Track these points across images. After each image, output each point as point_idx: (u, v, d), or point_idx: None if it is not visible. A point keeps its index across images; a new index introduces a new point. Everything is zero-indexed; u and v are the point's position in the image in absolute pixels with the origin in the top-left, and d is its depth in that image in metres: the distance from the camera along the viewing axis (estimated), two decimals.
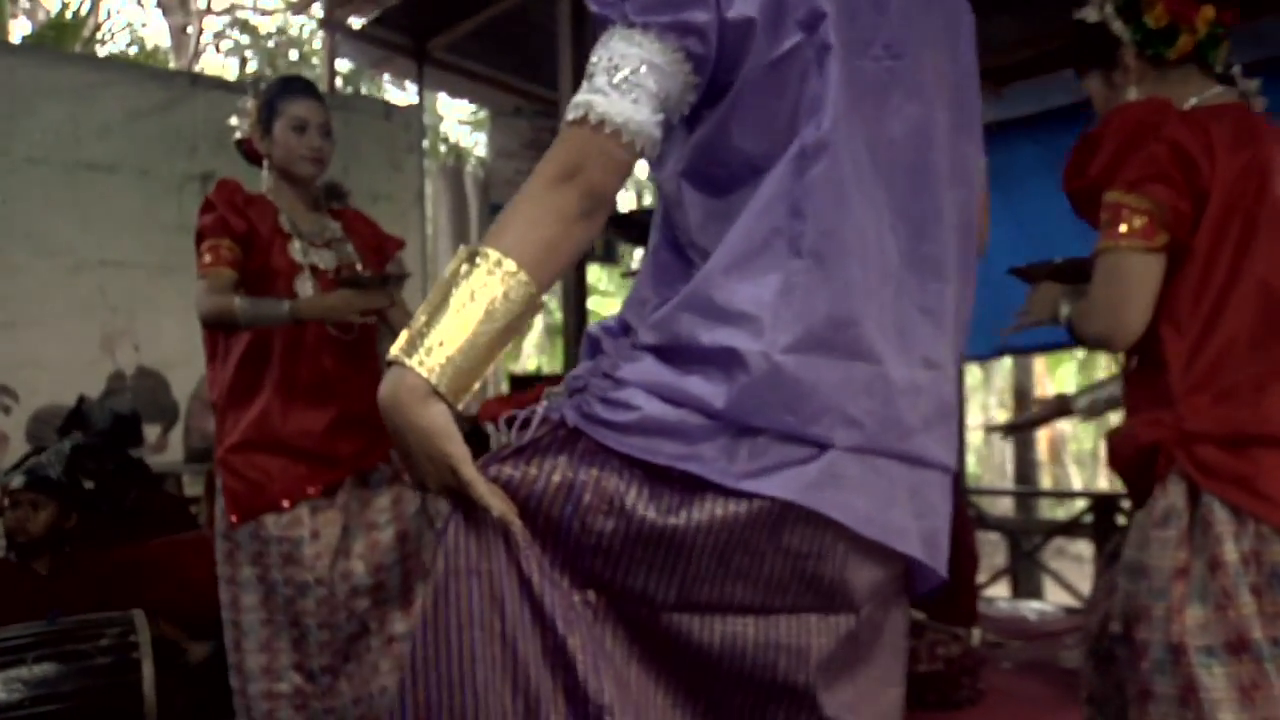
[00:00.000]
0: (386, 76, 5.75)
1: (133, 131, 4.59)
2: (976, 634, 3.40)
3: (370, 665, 2.52)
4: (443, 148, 9.22)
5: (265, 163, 2.56)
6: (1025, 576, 6.32)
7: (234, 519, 2.37)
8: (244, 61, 10.79)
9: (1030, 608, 5.26)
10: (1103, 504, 5.36)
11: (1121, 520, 5.20)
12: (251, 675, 2.41)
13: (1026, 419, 2.23)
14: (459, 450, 1.00)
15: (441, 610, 1.02)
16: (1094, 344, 1.61)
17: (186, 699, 2.96)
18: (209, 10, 10.93)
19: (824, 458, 1.02)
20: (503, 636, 1.03)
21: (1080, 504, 6.18)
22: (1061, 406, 2.18)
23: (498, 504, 1.02)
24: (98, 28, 9.22)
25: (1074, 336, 1.63)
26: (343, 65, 7.01)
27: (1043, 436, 13.18)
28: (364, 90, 8.24)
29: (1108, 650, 1.62)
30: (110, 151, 4.54)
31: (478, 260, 1.00)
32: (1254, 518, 1.46)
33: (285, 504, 2.37)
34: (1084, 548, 11.83)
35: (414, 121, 5.37)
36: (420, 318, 1.01)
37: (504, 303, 1.00)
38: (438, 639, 1.01)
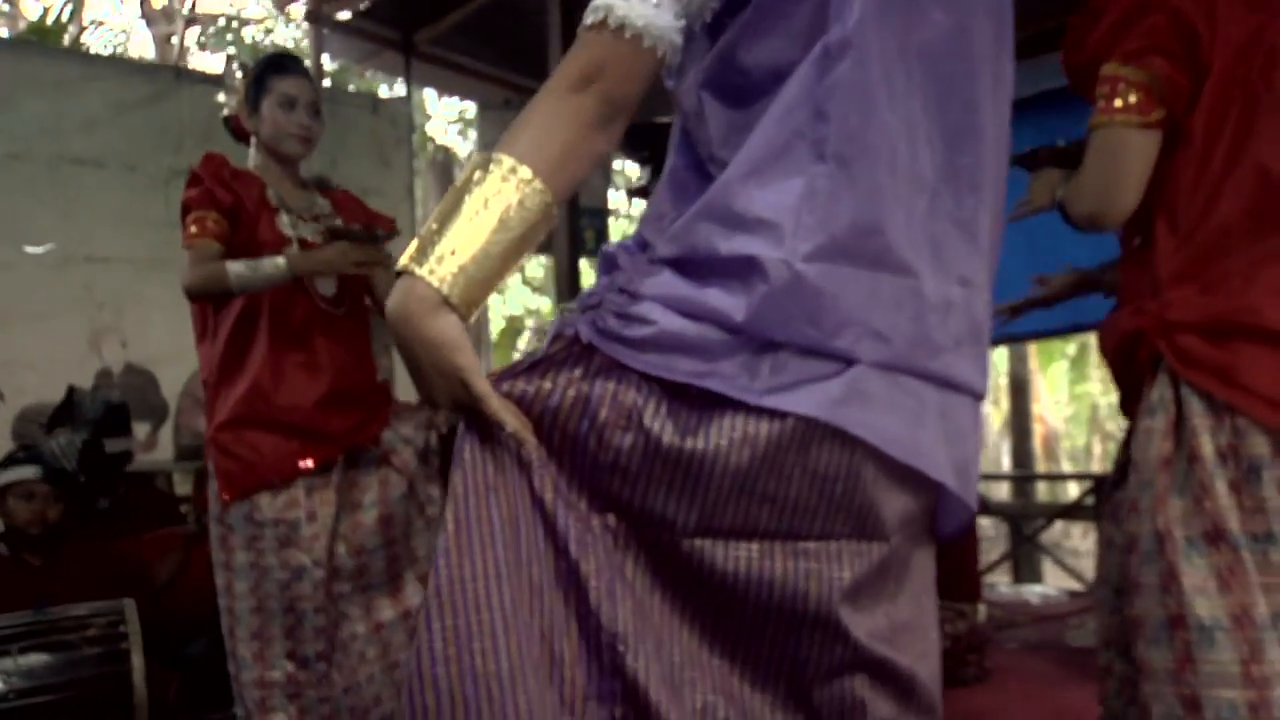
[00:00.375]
0: (373, 75, 5.71)
1: (117, 126, 4.54)
2: (982, 610, 3.36)
3: (357, 654, 2.46)
4: (430, 148, 9.20)
5: (252, 140, 2.51)
6: (1025, 562, 6.28)
7: (226, 498, 2.31)
8: (229, 60, 10.73)
9: (1033, 591, 5.22)
10: (1104, 485, 5.31)
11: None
12: (244, 663, 2.35)
13: (1050, 292, 2.13)
14: (470, 362, 0.95)
15: (464, 530, 0.97)
16: (1085, 224, 1.55)
17: (180, 691, 2.90)
18: (192, 20, 10.88)
19: (849, 373, 0.97)
20: (519, 559, 0.98)
21: (1076, 493, 6.15)
22: (1084, 280, 2.11)
23: (511, 419, 0.98)
24: (79, 35, 9.15)
25: (1067, 219, 1.58)
26: (329, 67, 6.96)
27: (1037, 433, 13.16)
28: (351, 89, 8.22)
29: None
30: (95, 146, 4.49)
31: (491, 167, 0.96)
32: (1231, 409, 1.42)
33: (278, 480, 2.31)
34: (1079, 542, 11.83)
35: (402, 115, 5.32)
36: (431, 225, 0.96)
37: (518, 211, 0.95)
38: (462, 561, 0.96)
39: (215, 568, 2.37)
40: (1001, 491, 7.34)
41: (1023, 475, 8.14)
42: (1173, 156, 1.48)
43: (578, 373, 1.00)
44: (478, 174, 0.96)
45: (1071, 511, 5.86)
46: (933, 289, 1.01)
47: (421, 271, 0.93)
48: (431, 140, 10.36)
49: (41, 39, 7.63)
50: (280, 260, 2.27)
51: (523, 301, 12.53)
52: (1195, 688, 1.38)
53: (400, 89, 5.58)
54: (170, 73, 4.85)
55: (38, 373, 4.17)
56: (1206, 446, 1.43)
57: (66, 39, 8.32)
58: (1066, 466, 15.35)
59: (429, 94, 7.15)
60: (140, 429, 4.36)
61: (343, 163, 4.63)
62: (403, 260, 0.95)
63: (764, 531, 1.01)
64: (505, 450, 0.99)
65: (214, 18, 11.30)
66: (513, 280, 10.93)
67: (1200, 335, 1.45)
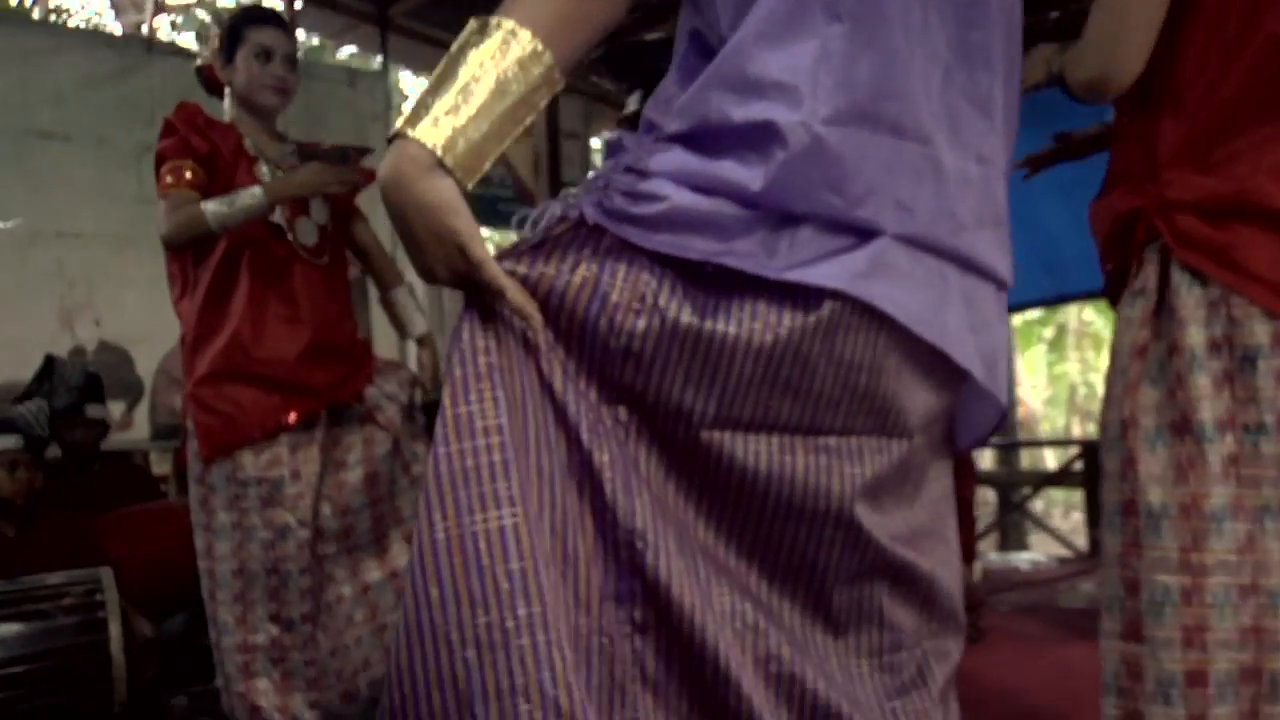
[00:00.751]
0: (350, 55, 5.62)
1: (87, 99, 4.43)
2: (979, 568, 3.32)
3: (344, 616, 2.40)
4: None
5: (226, 91, 2.43)
6: (1013, 532, 6.27)
7: (206, 456, 2.24)
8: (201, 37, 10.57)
9: (1021, 559, 5.21)
10: (1094, 450, 5.29)
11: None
12: (225, 627, 2.28)
13: (1065, 148, 2.05)
14: (467, 227, 0.89)
15: (463, 415, 0.90)
16: (1085, 91, 1.48)
17: (160, 665, 2.82)
18: (161, 8, 10.70)
19: (873, 244, 0.92)
20: (526, 448, 0.92)
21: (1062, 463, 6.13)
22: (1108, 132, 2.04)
23: (514, 292, 0.92)
24: (45, 17, 8.98)
25: (1066, 90, 1.51)
26: (305, 42, 6.85)
27: (1018, 414, 13.18)
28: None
29: None
30: (64, 120, 4.38)
31: (489, 31, 0.90)
32: (1227, 290, 1.38)
33: (259, 435, 2.24)
34: (1060, 522, 11.86)
35: (379, 88, 5.24)
36: (424, 92, 0.90)
37: (518, 74, 0.89)
38: (462, 447, 0.89)
39: (195, 530, 2.30)
40: (986, 461, 7.32)
41: (1010, 443, 8.07)
42: (1180, 28, 1.42)
43: (585, 254, 0.94)
44: (474, 38, 0.90)
45: (1059, 478, 5.84)
46: (951, 162, 0.96)
47: (414, 133, 0.87)
48: None
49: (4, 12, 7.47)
50: (256, 190, 2.19)
51: None
52: (1138, 571, 1.39)
53: (376, 66, 5.48)
54: (140, 46, 4.73)
55: (8, 351, 4.06)
56: (1193, 337, 1.39)
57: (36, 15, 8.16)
58: (1047, 447, 15.34)
59: (405, 75, 7.04)
60: (115, 408, 4.26)
61: (319, 137, 4.52)
62: (396, 125, 0.89)
63: (785, 424, 0.95)
64: (509, 330, 0.93)
65: (186, 6, 11.15)
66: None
67: (1200, 216, 1.40)
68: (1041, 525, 5.90)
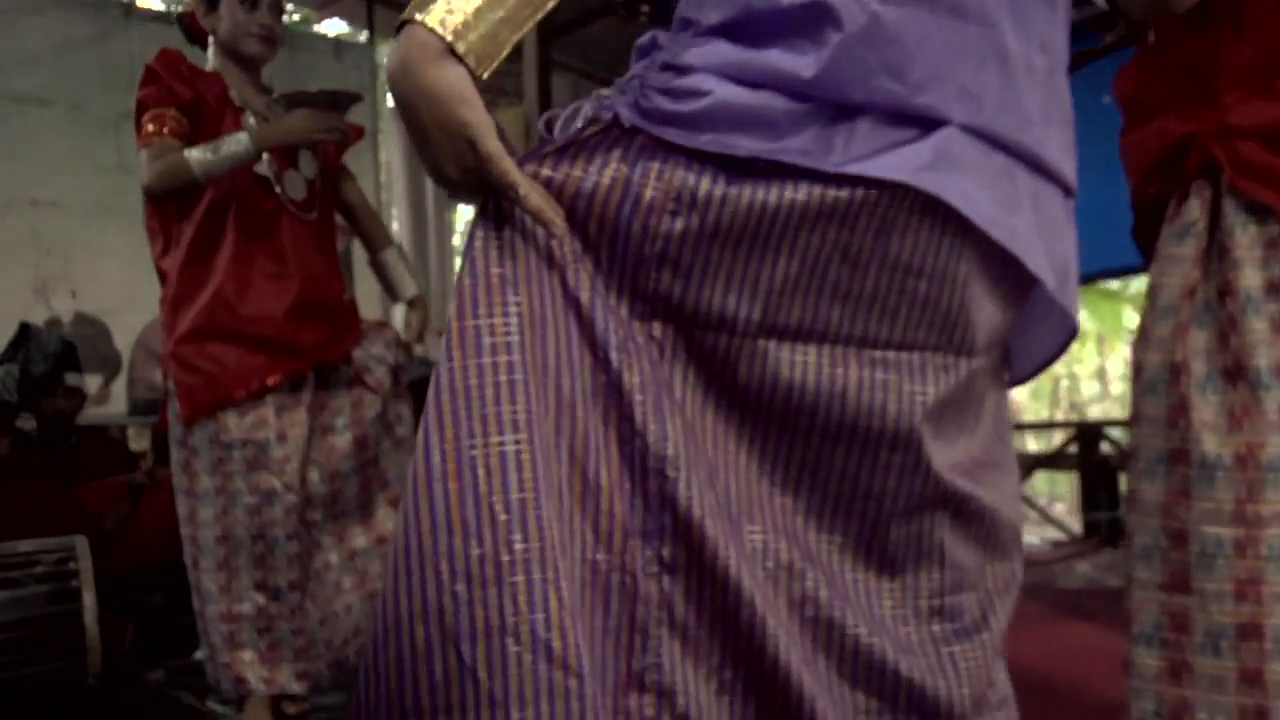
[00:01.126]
0: (334, 26, 5.50)
1: (62, 64, 4.31)
2: None
3: (333, 584, 2.32)
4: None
5: (209, 40, 2.32)
6: None
7: (188, 417, 2.14)
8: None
9: None
10: (1087, 433, 5.26)
11: (1106, 448, 5.11)
12: (209, 596, 2.18)
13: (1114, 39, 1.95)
14: (479, 119, 0.80)
15: (470, 330, 0.82)
16: (1146, 9, 1.42)
17: (136, 640, 2.72)
18: None
19: (937, 134, 0.83)
20: (544, 367, 0.84)
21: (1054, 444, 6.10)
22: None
23: (533, 193, 0.83)
24: None
25: (1122, 10, 1.44)
26: (289, 14, 6.71)
27: None
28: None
29: None
30: (38, 84, 4.26)
31: None
32: None
33: (241, 395, 2.14)
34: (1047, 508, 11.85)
35: (365, 60, 5.13)
36: None
37: None
38: (466, 365, 0.81)
39: (177, 495, 2.20)
40: None
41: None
42: None
43: (616, 154, 0.86)
44: None
45: (1056, 460, 5.81)
46: (1016, 49, 0.87)
47: (423, 18, 0.79)
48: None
49: None
50: (242, 136, 2.08)
51: None
52: (1185, 522, 1.33)
53: (362, 39, 5.37)
54: (118, 9, 4.60)
55: None
56: (1249, 279, 1.32)
57: None
58: (1029, 437, 15.33)
59: (391, 43, 6.91)
60: (92, 382, 4.15)
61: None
62: (405, 14, 0.81)
63: (836, 334, 0.87)
64: (528, 239, 0.85)
65: None
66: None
67: (1264, 143, 1.33)
68: (1034, 507, 5.86)
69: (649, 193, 0.84)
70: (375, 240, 2.51)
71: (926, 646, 0.92)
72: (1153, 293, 1.41)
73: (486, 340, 0.82)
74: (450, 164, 0.82)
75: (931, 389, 0.89)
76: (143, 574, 3.02)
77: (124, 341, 4.39)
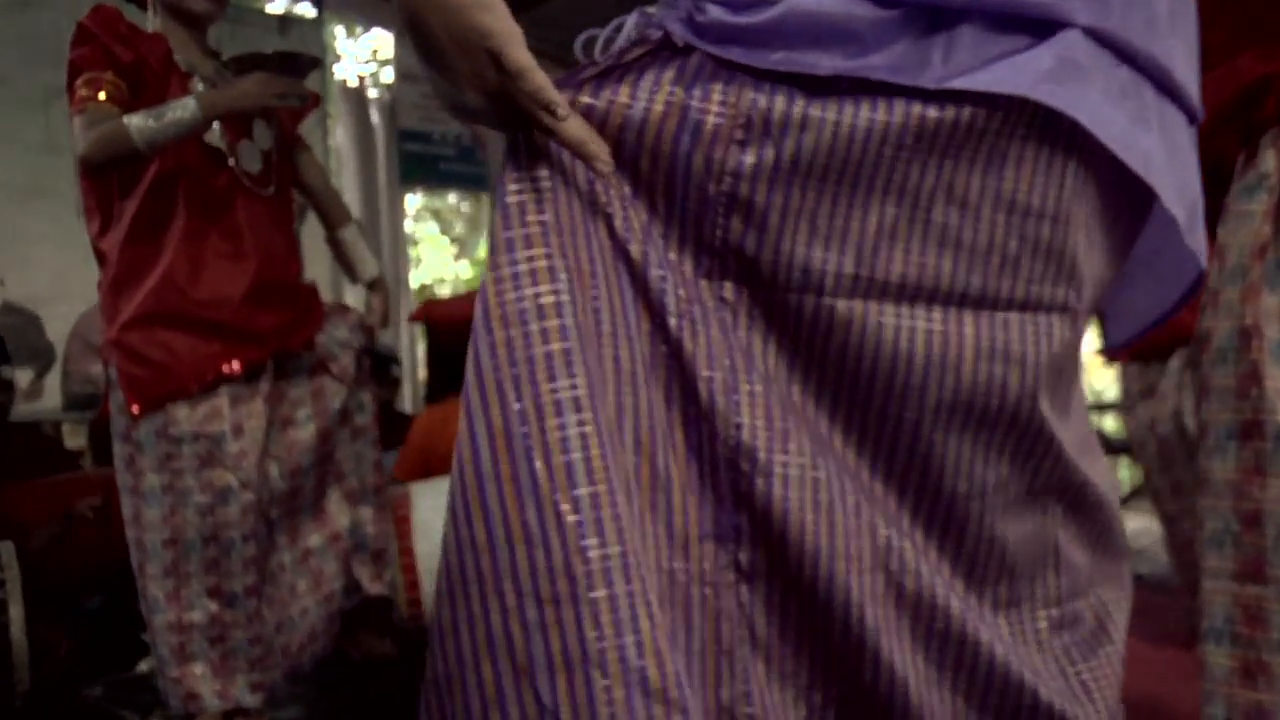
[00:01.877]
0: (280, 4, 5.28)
1: None
2: None
3: (287, 586, 2.15)
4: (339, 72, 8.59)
5: (150, 3, 2.13)
6: None
7: (135, 410, 1.95)
8: None
9: None
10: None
11: (1109, 424, 5.04)
12: (156, 604, 1.99)
13: None
14: (503, 25, 0.66)
15: (511, 299, 0.68)
16: None
17: (71, 648, 2.52)
18: None
19: (1059, 38, 0.70)
20: (597, 334, 0.70)
21: None
22: None
23: (572, 119, 0.69)
24: None
25: None
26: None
27: None
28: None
29: None
30: None
31: None
32: None
33: (196, 387, 1.96)
34: None
35: (314, 38, 4.90)
36: None
37: None
38: (510, 336, 0.67)
39: (122, 494, 2.02)
40: None
41: None
42: None
43: (669, 77, 0.72)
44: None
45: None
46: None
47: None
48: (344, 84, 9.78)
49: None
50: (189, 101, 1.89)
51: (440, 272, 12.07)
52: (1261, 501, 1.20)
53: (310, 14, 5.14)
54: None
55: None
56: None
57: None
58: None
59: (339, 32, 6.69)
60: (23, 376, 3.90)
61: None
62: None
63: (949, 292, 0.74)
64: (568, 179, 0.71)
65: None
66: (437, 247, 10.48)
67: None
68: None
69: (711, 119, 0.70)
70: (334, 216, 2.34)
71: (1054, 667, 0.79)
72: (1220, 253, 1.29)
73: (532, 304, 0.67)
74: (470, 86, 0.68)
75: (1045, 354, 0.76)
76: (82, 578, 2.82)
77: (57, 332, 4.13)
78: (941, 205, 0.72)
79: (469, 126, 4.82)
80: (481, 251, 10.72)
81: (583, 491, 0.65)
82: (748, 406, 0.72)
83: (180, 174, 1.98)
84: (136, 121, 1.87)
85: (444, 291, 10.65)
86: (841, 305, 0.73)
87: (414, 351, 5.25)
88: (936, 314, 0.74)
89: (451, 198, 9.76)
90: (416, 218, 9.83)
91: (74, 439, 4.17)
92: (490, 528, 0.65)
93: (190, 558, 1.98)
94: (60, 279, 3.93)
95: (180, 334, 1.97)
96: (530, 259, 0.69)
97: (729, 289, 0.74)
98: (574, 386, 0.67)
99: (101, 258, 2.04)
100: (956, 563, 0.78)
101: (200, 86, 2.05)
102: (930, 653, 0.75)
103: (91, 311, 4.40)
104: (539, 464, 0.65)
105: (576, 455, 0.66)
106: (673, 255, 0.73)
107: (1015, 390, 0.75)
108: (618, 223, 0.72)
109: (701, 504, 0.72)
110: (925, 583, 0.75)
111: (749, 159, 0.70)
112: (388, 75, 5.57)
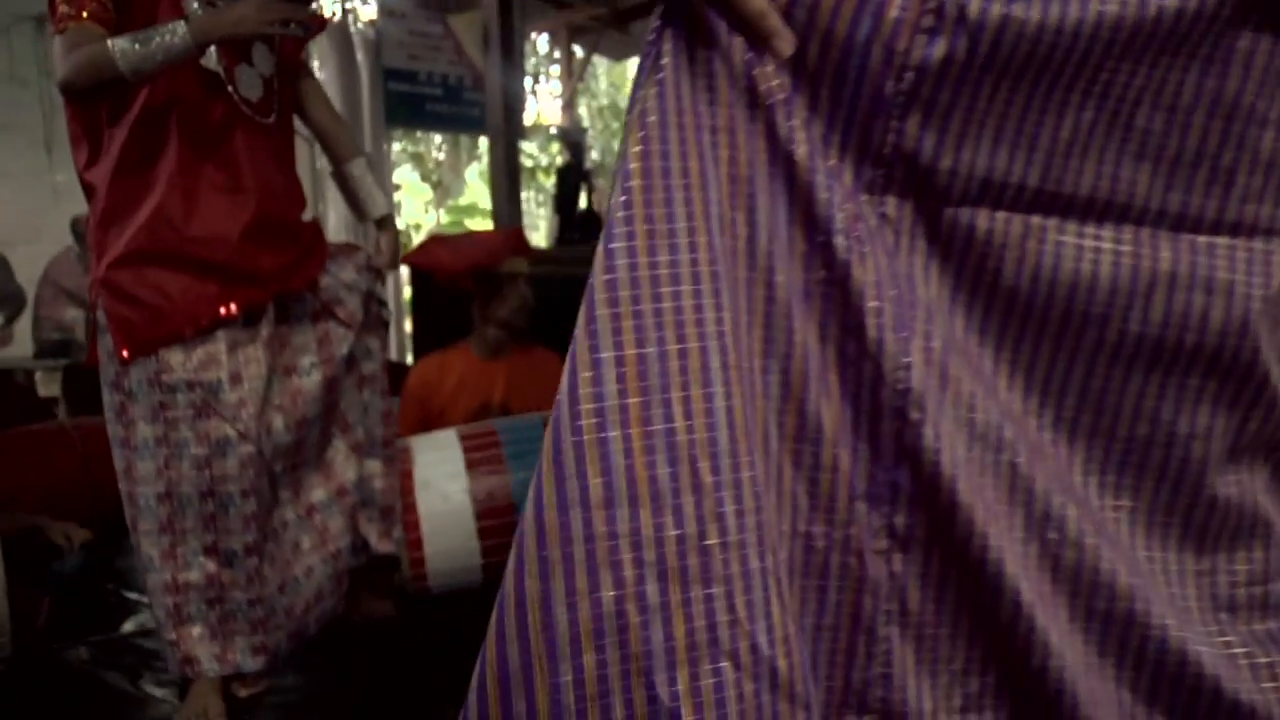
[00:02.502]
0: None
1: None
2: None
3: (291, 544, 2.03)
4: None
5: None
6: None
7: (125, 354, 1.81)
8: None
9: None
10: None
11: None
12: (150, 563, 1.87)
13: None
14: None
15: (659, 209, 0.55)
16: None
17: (54, 609, 2.39)
18: None
19: None
20: (751, 253, 0.58)
21: None
22: None
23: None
24: None
25: None
26: None
27: None
28: None
29: None
30: None
31: None
32: None
33: (191, 331, 1.82)
34: None
35: None
36: None
37: None
38: (655, 246, 0.56)
39: (112, 446, 1.88)
40: None
41: None
42: None
43: None
44: None
45: None
46: None
47: None
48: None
49: None
50: (179, 25, 1.73)
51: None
52: None
53: None
54: None
55: None
56: None
57: None
58: None
59: None
60: None
61: None
62: None
63: (1143, 210, 0.63)
64: (730, 66, 0.59)
65: None
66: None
67: None
68: None
69: (895, 8, 0.59)
70: (341, 149, 2.19)
71: (1243, 657, 0.69)
72: None
73: (679, 213, 0.55)
74: None
75: (1261, 289, 0.65)
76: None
77: (27, 276, 3.95)
78: (1146, 110, 0.62)
79: (468, 64, 4.63)
80: (463, 199, 10.50)
81: (722, 444, 0.54)
82: (917, 346, 0.61)
83: (174, 101, 1.82)
84: (121, 45, 1.71)
85: (418, 239, 10.44)
86: (1017, 224, 0.63)
87: (399, 298, 5.10)
88: (1127, 234, 0.64)
89: (438, 139, 9.52)
90: (395, 161, 9.61)
91: (47, 388, 4.00)
92: (610, 482, 0.53)
93: (186, 514, 1.85)
94: (29, 220, 3.76)
95: (173, 273, 1.83)
96: (698, 155, 0.57)
97: (891, 204, 0.63)
98: (719, 321, 0.56)
99: (89, 190, 1.89)
100: (1134, 525, 0.68)
101: (195, 7, 1.89)
102: (1090, 635, 0.65)
103: (63, 255, 4.21)
104: (677, 408, 0.54)
105: (719, 404, 0.54)
106: (833, 161, 0.62)
107: (1218, 326, 0.64)
108: (778, 118, 0.60)
109: (854, 459, 0.62)
110: (1088, 556, 0.64)
111: (937, 52, 0.60)
112: (370, 11, 5.34)
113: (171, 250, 1.82)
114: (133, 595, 2.74)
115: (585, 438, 0.54)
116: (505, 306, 2.72)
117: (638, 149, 0.57)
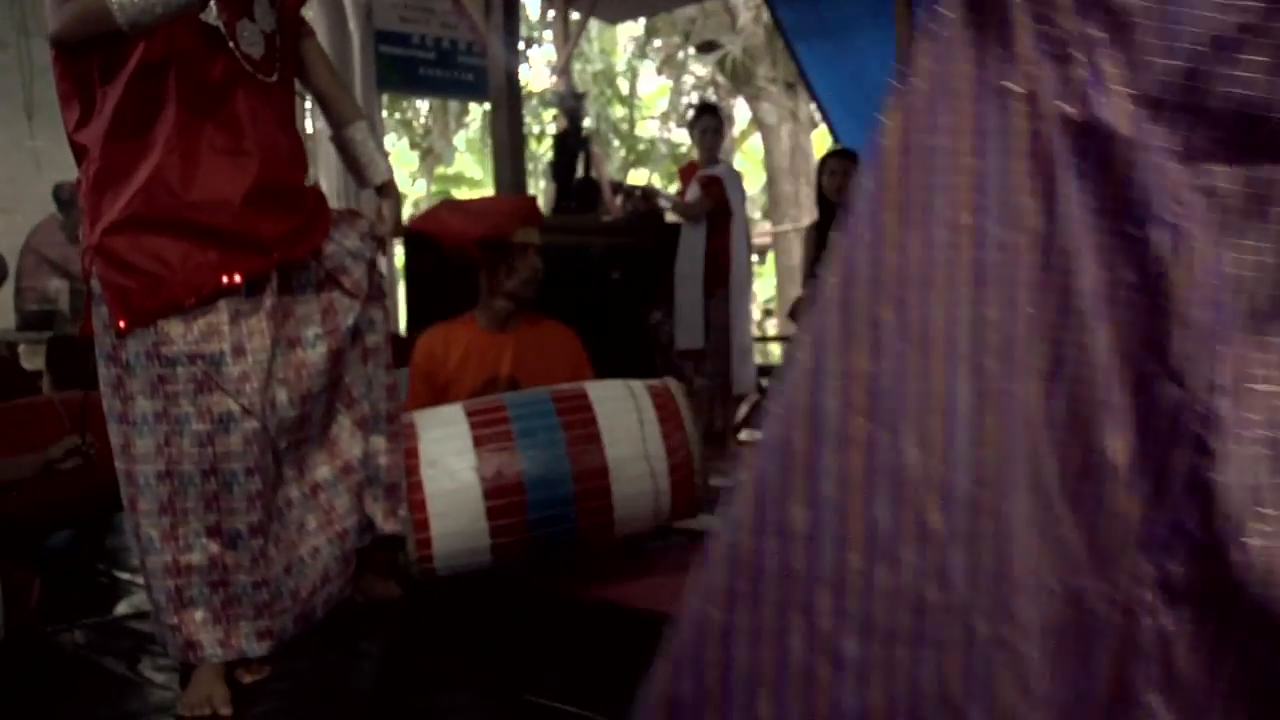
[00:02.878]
0: None
1: None
2: None
3: (296, 524, 1.95)
4: None
5: None
6: None
7: (122, 325, 1.72)
8: None
9: None
10: None
11: None
12: (150, 544, 1.78)
13: None
14: None
15: (916, 171, 0.48)
16: None
17: (46, 590, 2.29)
18: None
19: None
20: (1045, 251, 0.49)
21: None
22: None
23: None
24: None
25: None
26: None
27: None
28: None
29: None
30: None
31: None
32: None
33: (191, 300, 1.72)
34: None
35: None
36: None
37: None
38: (908, 209, 0.49)
39: (109, 421, 1.79)
40: None
41: None
42: None
43: None
44: None
45: None
46: None
47: None
48: None
49: None
50: None
51: None
52: None
53: None
54: None
55: None
56: None
57: None
58: None
59: None
60: None
61: None
62: None
63: None
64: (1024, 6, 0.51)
65: None
66: None
67: None
68: None
69: None
70: (342, 112, 2.09)
71: None
72: None
73: (944, 208, 0.47)
74: None
75: None
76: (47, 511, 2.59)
77: (8, 246, 3.83)
78: None
79: (471, 25, 4.49)
80: (452, 168, 10.35)
81: (961, 492, 0.45)
82: (1223, 362, 0.50)
83: (172, 57, 1.73)
84: None
85: (407, 211, 10.27)
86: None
87: (391, 266, 4.98)
88: None
89: (424, 106, 9.36)
90: (388, 121, 9.48)
91: (31, 360, 3.88)
92: (818, 518, 0.45)
93: (187, 493, 1.77)
94: (10, 189, 3.64)
95: (172, 240, 1.74)
96: (955, 117, 0.48)
97: (1220, 172, 0.52)
98: (978, 338, 0.47)
99: (80, 153, 1.79)
100: None
101: None
102: None
103: (45, 223, 4.09)
104: (908, 440, 0.45)
105: (963, 438, 0.46)
106: (1152, 127, 0.51)
107: None
108: (1074, 73, 0.51)
109: (1138, 497, 0.52)
110: None
111: None
112: None
113: (170, 215, 1.73)
114: (125, 576, 2.65)
115: (794, 462, 0.46)
116: (515, 278, 2.63)
117: (898, 117, 0.48)
